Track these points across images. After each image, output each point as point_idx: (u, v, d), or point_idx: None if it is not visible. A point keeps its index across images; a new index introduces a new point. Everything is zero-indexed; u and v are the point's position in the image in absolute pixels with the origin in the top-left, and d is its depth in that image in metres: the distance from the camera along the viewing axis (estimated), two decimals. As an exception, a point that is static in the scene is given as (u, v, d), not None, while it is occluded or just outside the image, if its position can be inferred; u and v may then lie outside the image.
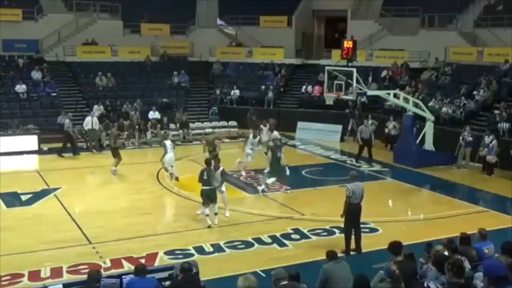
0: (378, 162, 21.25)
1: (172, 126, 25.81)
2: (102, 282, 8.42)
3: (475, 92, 23.88)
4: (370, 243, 12.54)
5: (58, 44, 29.87)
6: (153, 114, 25.62)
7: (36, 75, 27.22)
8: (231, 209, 14.93)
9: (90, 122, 23.12)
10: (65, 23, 30.35)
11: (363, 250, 12.26)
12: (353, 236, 12.24)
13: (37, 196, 16.39)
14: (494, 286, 4.94)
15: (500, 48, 26.04)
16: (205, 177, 13.94)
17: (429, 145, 21.27)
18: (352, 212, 11.98)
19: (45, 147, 22.88)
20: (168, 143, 18.33)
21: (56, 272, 11.06)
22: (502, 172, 19.51)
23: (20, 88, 26.18)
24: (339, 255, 9.88)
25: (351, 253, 12.05)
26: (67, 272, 11.10)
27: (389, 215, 15.34)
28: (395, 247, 8.43)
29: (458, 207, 16.09)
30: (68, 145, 22.31)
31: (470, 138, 20.35)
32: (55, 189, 17.09)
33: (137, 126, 25.04)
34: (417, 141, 21.17)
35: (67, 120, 22.82)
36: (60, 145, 22.23)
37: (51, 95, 26.75)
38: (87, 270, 9.72)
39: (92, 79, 28.61)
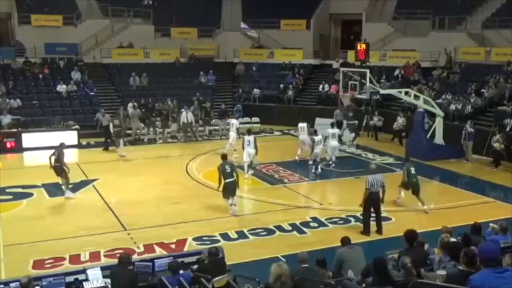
0: (390, 155, 21.06)
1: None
2: (136, 264, 8.50)
3: (483, 90, 23.50)
4: (383, 230, 12.54)
5: (95, 47, 30.12)
6: (184, 111, 25.49)
7: (75, 75, 27.46)
8: (253, 199, 14.95)
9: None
10: (102, 27, 30.59)
11: (377, 238, 12.23)
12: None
13: (77, 186, 16.48)
14: (486, 267, 4.82)
15: (507, 48, 25.54)
16: (227, 170, 13.97)
17: (439, 139, 21.01)
18: (370, 200, 12.44)
19: (83, 141, 23.12)
20: (248, 138, 17.65)
21: (94, 256, 11.19)
22: (510, 164, 19.16)
23: (61, 87, 26.45)
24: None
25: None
26: (104, 256, 11.22)
27: (401, 204, 15.17)
28: (410, 235, 8.39)
29: (466, 197, 15.90)
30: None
31: (471, 130, 20.10)
32: (93, 180, 17.23)
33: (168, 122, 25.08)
34: (427, 136, 20.93)
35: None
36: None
37: (89, 94, 26.99)
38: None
39: (126, 79, 28.78)
